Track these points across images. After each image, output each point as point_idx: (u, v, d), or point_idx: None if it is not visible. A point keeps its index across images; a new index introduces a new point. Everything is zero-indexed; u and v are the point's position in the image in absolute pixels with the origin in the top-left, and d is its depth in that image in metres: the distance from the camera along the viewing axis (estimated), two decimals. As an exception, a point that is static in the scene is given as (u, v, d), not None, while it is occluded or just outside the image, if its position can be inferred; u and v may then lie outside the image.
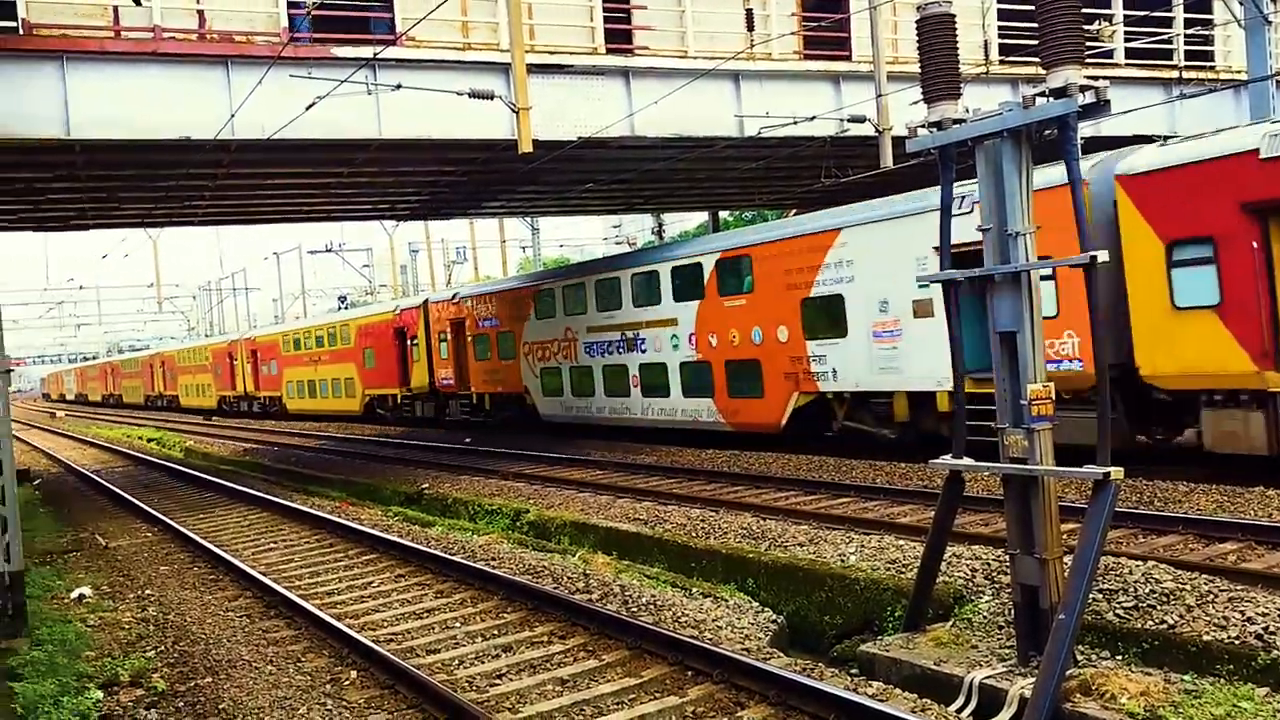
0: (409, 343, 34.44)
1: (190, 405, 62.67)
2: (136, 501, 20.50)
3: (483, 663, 8.70)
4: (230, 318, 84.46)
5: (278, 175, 20.12)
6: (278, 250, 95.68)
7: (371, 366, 37.49)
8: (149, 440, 41.81)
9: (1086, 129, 18.92)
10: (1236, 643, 7.51)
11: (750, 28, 18.41)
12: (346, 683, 8.49)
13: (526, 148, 15.81)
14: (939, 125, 8.26)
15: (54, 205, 21.52)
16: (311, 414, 44.18)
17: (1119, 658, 7.88)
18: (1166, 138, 15.67)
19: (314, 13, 15.27)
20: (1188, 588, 8.36)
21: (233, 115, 15.05)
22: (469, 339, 30.40)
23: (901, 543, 11.47)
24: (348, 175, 20.24)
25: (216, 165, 18.06)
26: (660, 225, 45.00)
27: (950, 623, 9.06)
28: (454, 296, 31.93)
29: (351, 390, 39.53)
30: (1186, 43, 22.59)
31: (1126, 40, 21.79)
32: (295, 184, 21.37)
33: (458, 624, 9.95)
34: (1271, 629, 7.52)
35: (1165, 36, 22.21)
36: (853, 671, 8.45)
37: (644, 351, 22.80)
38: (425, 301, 33.99)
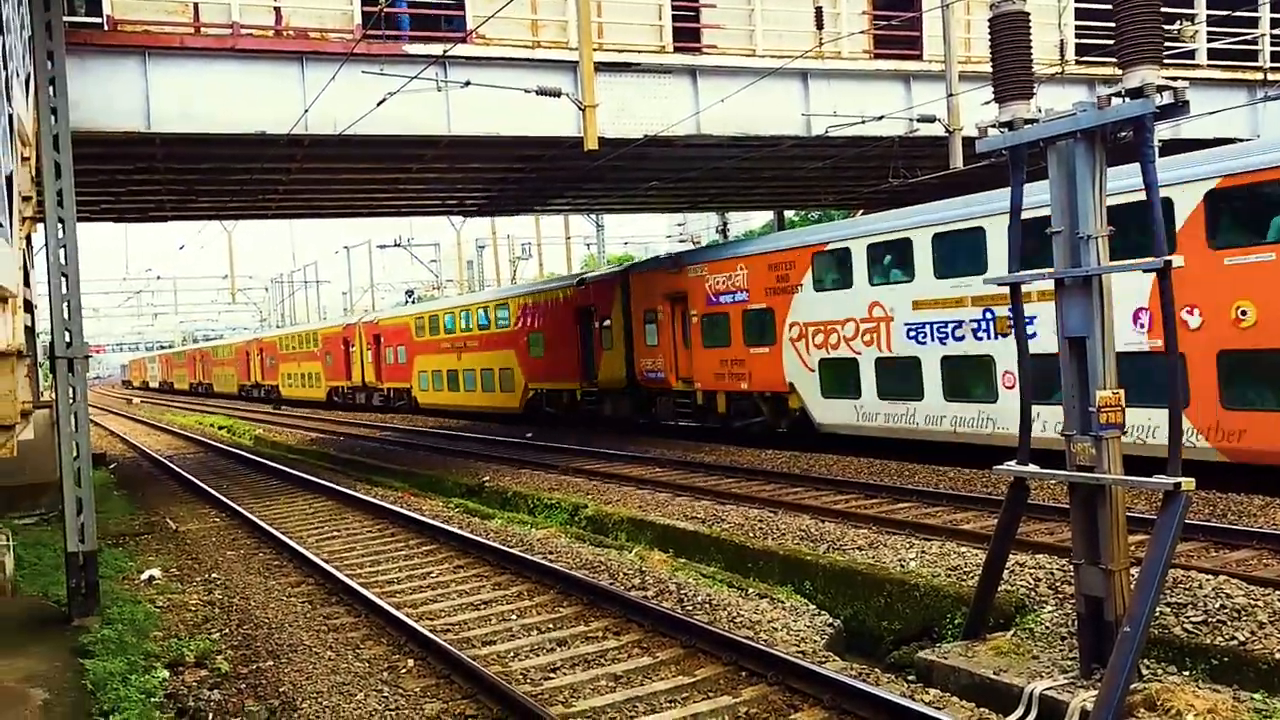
0: (597, 325, 27.84)
1: (294, 396, 56.09)
2: (206, 487, 21.00)
3: (537, 655, 8.75)
4: (301, 309, 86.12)
5: (349, 170, 20.46)
6: (348, 244, 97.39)
7: (539, 354, 30.85)
8: (220, 428, 42.76)
9: (1165, 131, 18.47)
10: (1311, 662, 7.26)
11: (820, 26, 18.25)
12: (404, 671, 8.60)
13: (592, 145, 15.87)
14: (1010, 125, 8.11)
15: (134, 197, 22.13)
16: (452, 410, 37.89)
17: (1186, 673, 7.67)
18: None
19: (386, 10, 15.48)
20: (1260, 604, 8.11)
21: (306, 111, 15.33)
22: (695, 319, 23.43)
23: (963, 549, 11.29)
24: (417, 171, 20.51)
25: (290, 160, 18.42)
26: (725, 224, 44.85)
27: (1011, 632, 8.89)
28: (675, 263, 24.73)
29: (509, 383, 32.73)
30: (1272, 43, 21.89)
31: (1209, 40, 21.18)
32: (365, 179, 21.71)
33: (514, 616, 10.03)
34: (1349, 650, 7.27)
35: (1250, 37, 21.55)
36: (909, 678, 8.34)
37: (1034, 336, 12.64)
38: (626, 271, 27.26)
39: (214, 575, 12.97)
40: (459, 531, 13.86)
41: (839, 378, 19.38)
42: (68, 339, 10.70)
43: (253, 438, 36.91)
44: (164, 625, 10.60)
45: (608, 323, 27.21)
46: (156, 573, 13.09)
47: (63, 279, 10.76)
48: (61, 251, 10.77)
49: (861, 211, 30.68)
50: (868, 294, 18.68)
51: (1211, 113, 17.99)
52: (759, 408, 22.15)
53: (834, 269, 19.64)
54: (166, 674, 8.97)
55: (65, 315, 10.71)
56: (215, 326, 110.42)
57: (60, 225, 10.72)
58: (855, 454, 19.14)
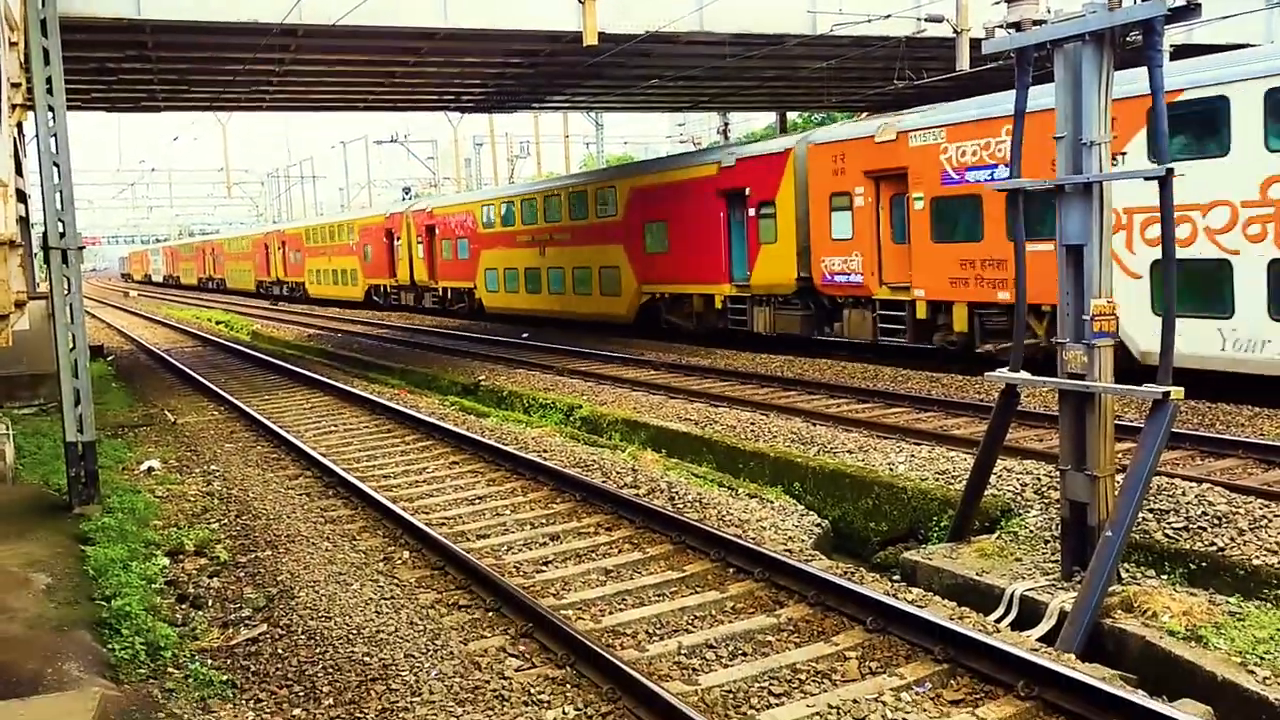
0: (752, 212, 21.74)
1: (325, 295, 49.98)
2: (204, 381, 21.11)
3: (530, 550, 8.92)
4: (298, 205, 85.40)
5: (343, 63, 20.06)
6: (344, 140, 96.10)
7: (660, 250, 24.74)
8: (217, 323, 42.78)
9: (1176, 35, 18.06)
10: (1287, 568, 7.42)
11: (828, -81, 17.69)
12: (399, 562, 8.77)
13: (592, 40, 15.55)
14: (1018, 26, 7.95)
15: (125, 86, 21.73)
16: (529, 315, 31.26)
17: (1164, 577, 7.84)
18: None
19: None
20: (1241, 511, 8.25)
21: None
22: (920, 203, 17.85)
23: (953, 454, 11.43)
24: (413, 64, 20.11)
25: (284, 50, 18.03)
26: (726, 125, 44.19)
27: (996, 535, 9.07)
28: (886, 130, 18.35)
29: (613, 285, 26.77)
30: (1293, -54, 21.24)
31: (1228, -59, 20.53)
32: (361, 72, 21.31)
33: (508, 512, 10.19)
34: (1324, 557, 7.42)
35: (1271, -62, 20.88)
36: (894, 578, 8.53)
37: None
38: (800, 140, 20.91)
39: (213, 467, 13.13)
40: (455, 429, 13.98)
41: (1195, 288, 13.51)
42: (61, 230, 10.63)
43: (250, 333, 36.97)
44: (163, 515, 10.78)
45: (769, 210, 21.29)
46: (156, 464, 13.24)
47: (54, 169, 10.63)
48: (52, 140, 10.62)
49: (866, 115, 30.15)
50: (1262, 163, 12.97)
51: (1224, 17, 17.57)
52: (1029, 327, 15.39)
53: (1196, 127, 13.89)
54: (166, 561, 9.15)
55: (58, 206, 10.62)
56: (211, 221, 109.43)
57: (50, 114, 10.55)
58: (851, 359, 19.22)
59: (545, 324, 30.50)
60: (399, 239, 40.53)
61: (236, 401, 17.88)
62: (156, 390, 21.12)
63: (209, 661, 7.05)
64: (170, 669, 6.85)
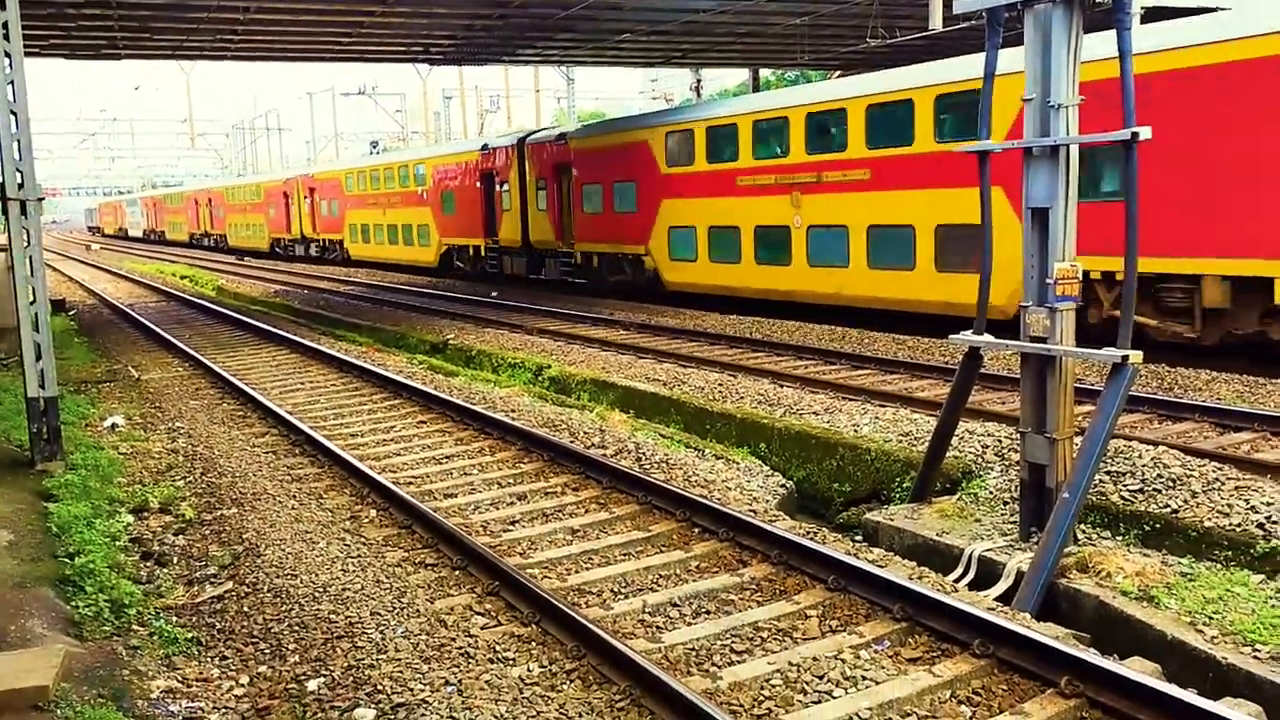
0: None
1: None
2: (169, 336, 20.89)
3: (497, 509, 8.96)
4: (264, 157, 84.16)
5: (310, 12, 19.72)
6: (311, 91, 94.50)
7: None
8: (182, 277, 42.27)
9: (1147, -1, 18.04)
10: (1237, 530, 7.59)
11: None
12: (365, 520, 8.79)
13: (563, -6, 15.34)
14: (990, -13, 7.92)
15: (85, 33, 21.27)
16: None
17: (1119, 538, 8.01)
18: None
19: None
20: (1195, 474, 8.41)
21: (263, -54, 14.66)
22: None
23: (916, 416, 11.55)
24: (381, 14, 19.80)
25: (247, -2, 17.71)
26: (699, 81, 43.88)
27: (956, 496, 9.20)
28: None
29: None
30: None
31: (1201, -96, 20.48)
32: (328, 21, 20.95)
33: (475, 471, 10.21)
34: (1274, 518, 7.59)
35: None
36: (856, 538, 8.64)
37: None
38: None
39: (178, 424, 13.04)
40: (423, 388, 13.95)
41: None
42: (19, 180, 10.43)
43: (215, 288, 36.56)
44: (128, 471, 10.71)
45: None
46: (120, 420, 13.13)
47: (11, 117, 10.40)
48: (10, 88, 10.38)
49: (839, 73, 30.04)
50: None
51: (1195, -19, 17.59)
52: None
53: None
54: (131, 519, 9.12)
55: (16, 155, 10.40)
56: (175, 172, 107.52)
57: (7, 60, 10.31)
58: (820, 321, 19.31)
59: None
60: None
61: (201, 358, 17.72)
62: (120, 345, 20.89)
63: (174, 619, 7.05)
64: (135, 626, 6.85)
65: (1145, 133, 7.18)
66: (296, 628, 6.65)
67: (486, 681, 5.72)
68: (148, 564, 8.17)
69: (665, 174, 23.45)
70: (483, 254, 32.32)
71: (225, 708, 5.88)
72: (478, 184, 31.76)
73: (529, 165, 29.02)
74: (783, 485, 10.37)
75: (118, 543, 8.38)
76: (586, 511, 8.79)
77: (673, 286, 23.63)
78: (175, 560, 8.25)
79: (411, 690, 5.65)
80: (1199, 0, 19.84)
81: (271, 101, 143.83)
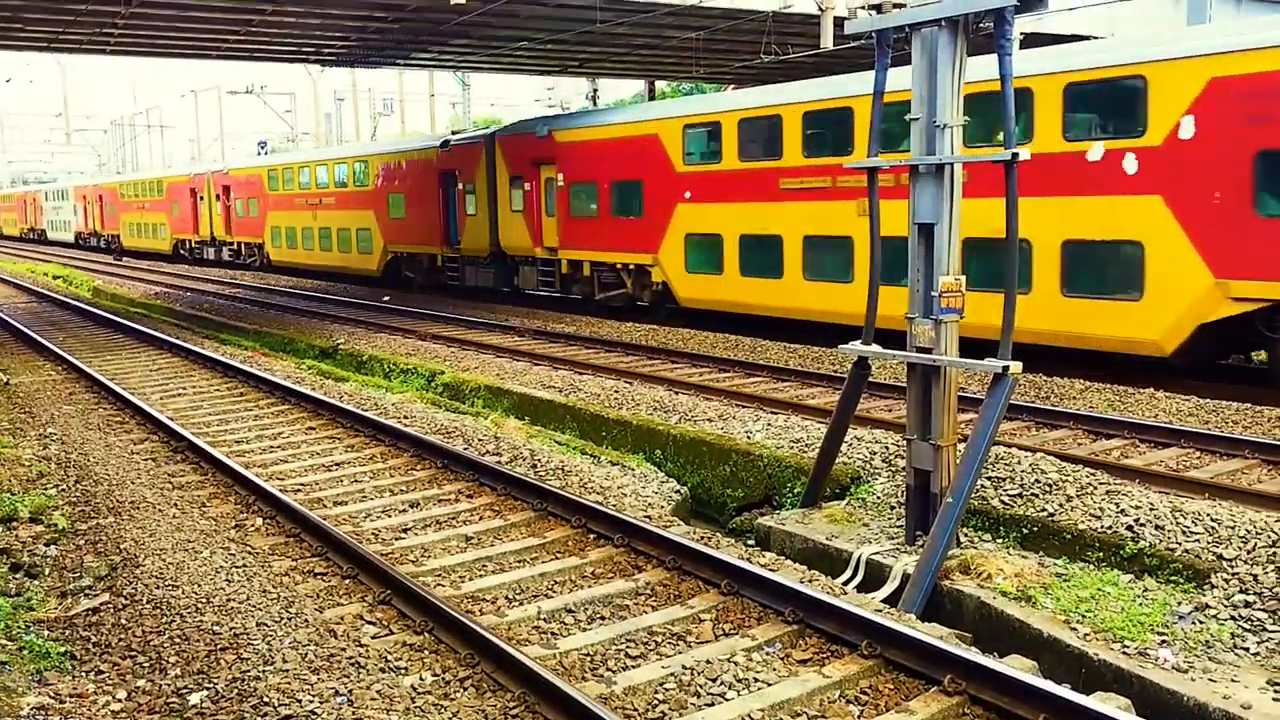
0: None
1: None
2: (40, 339, 19.97)
3: (389, 517, 8.82)
4: (145, 155, 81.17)
5: (196, 8, 19.13)
6: (195, 89, 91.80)
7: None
8: (55, 277, 40.46)
9: (1026, 24, 18.86)
10: (1109, 532, 7.96)
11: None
12: (251, 529, 8.55)
13: (460, -1, 15.24)
14: (879, 9, 8.19)
15: (-50, 21, 20.22)
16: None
17: (1000, 541, 8.31)
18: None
19: None
20: (1070, 479, 8.78)
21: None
22: None
23: (807, 423, 11.79)
24: (271, 13, 19.34)
25: (129, -9, 17.09)
26: (595, 90, 44.01)
27: (845, 501, 9.43)
28: None
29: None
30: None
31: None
32: (215, 19, 20.36)
33: (366, 478, 10.03)
34: (1142, 521, 7.98)
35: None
36: (749, 543, 8.78)
37: None
38: None
39: (50, 430, 12.48)
40: (311, 393, 13.65)
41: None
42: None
43: (91, 289, 35.10)
44: (-6, 480, 10.19)
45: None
46: (-15, 426, 12.50)
47: None
48: None
49: (733, 87, 30.49)
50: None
51: (1070, 9, 18.45)
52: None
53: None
54: (-2, 529, 8.68)
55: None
56: (49, 169, 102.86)
57: None
58: (715, 329, 19.54)
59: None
60: (202, 197, 43.73)
61: (76, 361, 16.99)
62: (-14, 348, 19.88)
63: (45, 633, 6.75)
64: (3, 641, 6.53)
65: (1025, 154, 7.49)
66: (178, 640, 6.43)
67: (378, 691, 5.63)
68: (17, 576, 7.79)
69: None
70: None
71: (101, 724, 5.64)
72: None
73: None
74: (677, 491, 10.47)
75: (-16, 554, 7.97)
76: (481, 519, 8.72)
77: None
78: (47, 572, 7.89)
79: (300, 701, 5.52)
80: (1075, 28, 20.80)
81: (153, 98, 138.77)
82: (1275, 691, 5.83)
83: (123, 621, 6.82)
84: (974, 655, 5.69)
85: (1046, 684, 5.27)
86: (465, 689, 5.73)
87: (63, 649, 6.47)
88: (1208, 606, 6.87)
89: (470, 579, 7.40)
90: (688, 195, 19.96)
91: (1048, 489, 8.69)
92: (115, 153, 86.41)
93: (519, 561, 7.75)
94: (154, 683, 5.97)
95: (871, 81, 8.47)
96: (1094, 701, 5.09)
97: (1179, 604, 6.97)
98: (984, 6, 7.43)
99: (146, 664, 6.21)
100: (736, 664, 5.94)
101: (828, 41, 17.98)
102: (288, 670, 5.89)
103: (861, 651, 5.96)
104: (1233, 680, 5.97)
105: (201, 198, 43.45)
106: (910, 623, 6.38)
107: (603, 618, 6.69)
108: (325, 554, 7.81)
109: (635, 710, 5.48)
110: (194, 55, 26.50)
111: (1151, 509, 8.11)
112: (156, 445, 11.59)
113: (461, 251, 27.84)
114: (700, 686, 5.70)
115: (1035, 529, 8.29)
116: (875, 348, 8.60)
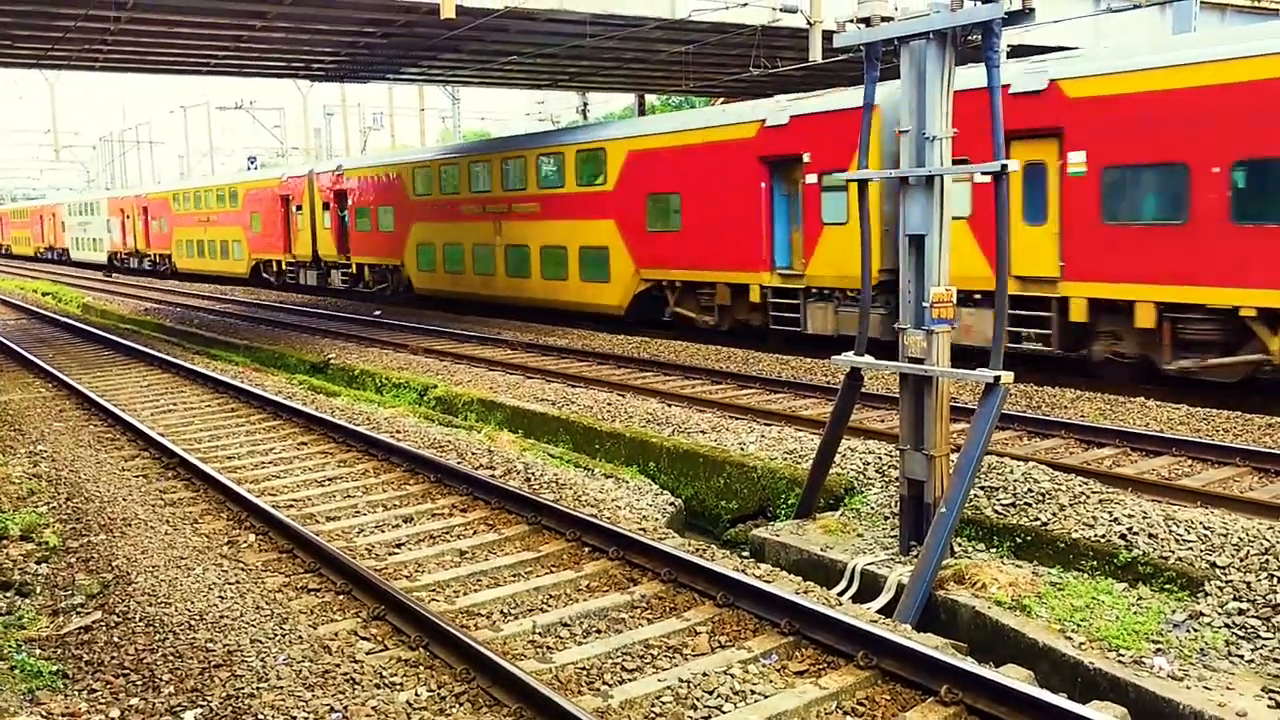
0: None
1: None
2: (30, 356, 19.89)
3: (383, 532, 8.79)
4: (134, 171, 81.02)
5: (185, 24, 19.14)
6: (185, 104, 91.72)
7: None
8: (44, 294, 40.32)
9: (1013, 36, 18.99)
10: (1102, 541, 7.98)
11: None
12: (244, 545, 8.51)
13: (449, 14, 15.27)
14: (868, 22, 8.23)
15: (-61, 38, 20.20)
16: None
17: (993, 550, 8.33)
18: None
19: None
20: (1063, 488, 8.80)
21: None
22: None
23: (801, 434, 11.80)
24: (260, 29, 19.36)
25: (119, 7, 17.08)
26: (585, 105, 44.14)
27: (839, 512, 9.43)
28: None
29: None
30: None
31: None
32: (204, 35, 20.37)
33: (359, 493, 10.00)
34: (1135, 529, 8.00)
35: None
36: (744, 554, 8.77)
37: None
38: None
39: (40, 448, 12.42)
40: (303, 408, 13.61)
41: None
42: None
43: (81, 306, 34.99)
44: (-15, 498, 10.13)
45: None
46: (-25, 444, 12.44)
47: None
48: None
49: (722, 100, 30.63)
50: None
51: (1056, 21, 18.57)
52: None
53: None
54: (-11, 548, 8.63)
55: None
56: (38, 185, 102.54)
57: None
58: (704, 342, 19.56)
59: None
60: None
61: (66, 378, 16.92)
62: (-25, 366, 19.78)
63: (37, 651, 6.70)
64: (-6, 661, 6.48)
65: (1014, 165, 7.54)
66: (171, 657, 6.39)
67: (373, 708, 5.61)
68: (8, 594, 7.74)
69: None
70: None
71: (94, 743, 5.61)
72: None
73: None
74: (671, 503, 10.46)
75: (-25, 573, 7.92)
76: (475, 533, 8.71)
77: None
78: (38, 590, 7.84)
79: (295, 718, 5.49)
80: (1060, 38, 20.93)
81: (143, 113, 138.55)
82: (1270, 698, 5.85)
83: (115, 639, 6.78)
84: (970, 665, 5.70)
85: (1043, 693, 5.28)
86: (461, 704, 5.71)
87: (55, 668, 6.42)
88: (1202, 614, 6.88)
89: (465, 593, 7.38)
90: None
91: (1041, 498, 8.71)
92: (104, 169, 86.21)
93: (514, 575, 7.73)
94: (148, 701, 5.93)
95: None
96: (1090, 710, 5.10)
97: (1173, 612, 6.99)
98: (972, 20, 7.48)
99: (140, 682, 6.17)
100: (733, 676, 5.93)
101: (816, 55, 18.06)
102: (282, 687, 5.86)
103: (858, 662, 5.95)
104: (1228, 688, 5.99)
105: (298, 207, 35.76)
106: (906, 633, 6.38)
107: (598, 631, 6.67)
108: (318, 570, 7.78)
109: (632, 724, 5.46)
110: (183, 71, 26.50)
111: (1144, 517, 8.13)
112: (148, 462, 11.55)
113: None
114: (697, 699, 5.69)
115: (1029, 538, 8.30)
116: (868, 359, 8.62)
